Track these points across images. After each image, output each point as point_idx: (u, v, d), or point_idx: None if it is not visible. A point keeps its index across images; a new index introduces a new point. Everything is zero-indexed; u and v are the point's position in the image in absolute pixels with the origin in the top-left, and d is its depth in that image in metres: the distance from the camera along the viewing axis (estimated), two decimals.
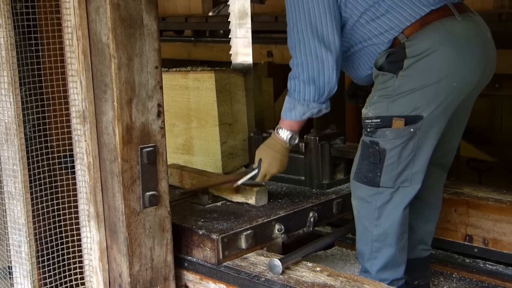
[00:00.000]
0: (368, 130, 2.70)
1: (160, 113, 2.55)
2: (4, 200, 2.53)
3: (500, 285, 3.31)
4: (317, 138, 3.16)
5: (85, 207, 2.56)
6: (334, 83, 2.67)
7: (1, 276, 2.71)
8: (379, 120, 2.66)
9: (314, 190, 3.19)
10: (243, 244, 2.71)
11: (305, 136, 3.21)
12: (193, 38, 6.92)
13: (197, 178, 3.17)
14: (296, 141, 2.84)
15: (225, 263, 2.67)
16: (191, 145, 3.53)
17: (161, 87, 2.54)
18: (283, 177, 3.31)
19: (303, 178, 3.24)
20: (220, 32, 6.90)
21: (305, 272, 2.57)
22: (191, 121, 3.51)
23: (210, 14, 7.49)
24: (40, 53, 2.53)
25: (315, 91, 2.67)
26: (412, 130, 2.63)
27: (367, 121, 2.71)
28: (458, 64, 2.61)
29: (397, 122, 2.63)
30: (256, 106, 6.34)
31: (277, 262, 2.53)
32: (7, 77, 2.39)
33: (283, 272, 2.54)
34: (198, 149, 3.51)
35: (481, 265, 3.25)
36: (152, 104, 2.52)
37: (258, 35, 6.43)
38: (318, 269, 2.59)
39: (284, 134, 2.81)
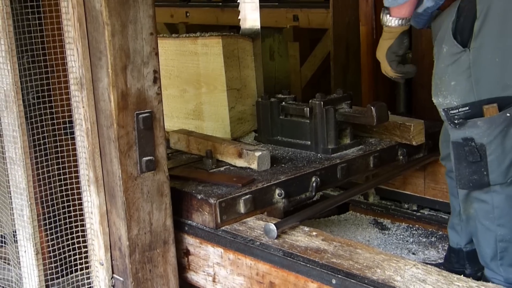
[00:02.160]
0: (456, 122, 2.44)
1: (156, 79, 2.56)
2: (6, 166, 2.60)
3: None
4: (322, 102, 3.15)
5: (85, 172, 2.61)
6: None
7: (8, 241, 2.79)
8: (467, 108, 2.42)
9: (319, 155, 3.18)
10: (242, 208, 2.74)
11: (310, 101, 3.20)
12: (221, 3, 6.90)
13: (203, 143, 3.20)
14: (392, 22, 2.62)
15: (223, 227, 2.70)
16: (201, 110, 3.55)
17: (156, 54, 2.55)
18: (290, 141, 3.32)
19: (309, 143, 3.24)
20: None
21: (300, 237, 2.59)
22: (201, 86, 3.53)
23: None
24: (43, 21, 2.57)
25: None
26: (509, 114, 2.37)
27: (452, 112, 2.45)
28: None
29: (489, 110, 2.38)
30: (282, 71, 6.36)
31: (272, 226, 2.56)
32: (4, 45, 2.44)
33: (278, 236, 2.57)
34: (208, 115, 3.53)
35: None
36: (148, 71, 2.54)
37: None
38: (314, 233, 2.61)
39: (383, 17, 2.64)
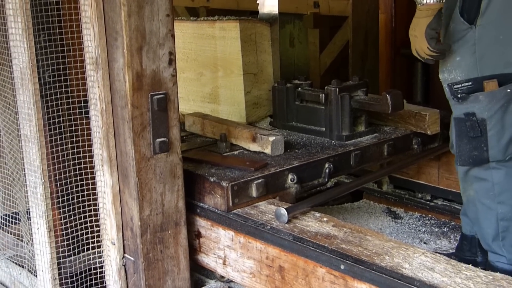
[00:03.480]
0: (459, 96, 2.52)
1: (171, 61, 2.57)
2: (21, 143, 2.62)
3: None
4: (337, 89, 3.15)
5: (99, 151, 2.63)
6: None
7: (22, 219, 2.82)
8: (470, 83, 2.49)
9: (333, 141, 3.18)
10: (254, 192, 2.75)
11: (325, 87, 3.20)
12: None
13: (218, 126, 3.20)
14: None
15: (234, 211, 2.71)
16: (217, 94, 3.56)
17: (172, 35, 2.56)
18: (304, 127, 3.32)
19: (324, 129, 3.24)
20: None
21: (311, 222, 2.59)
22: (218, 70, 3.53)
23: None
24: (60, 0, 2.59)
25: None
26: (509, 90, 2.43)
27: (456, 86, 2.53)
28: None
29: (489, 84, 2.45)
30: (302, 57, 6.33)
31: (283, 211, 2.56)
32: (21, 23, 2.45)
33: (289, 221, 2.57)
34: (224, 98, 3.54)
35: None
36: (164, 52, 2.55)
37: None
38: (325, 219, 2.61)
39: None
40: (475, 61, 2.49)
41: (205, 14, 7.10)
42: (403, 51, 4.26)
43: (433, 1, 2.56)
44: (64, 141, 2.63)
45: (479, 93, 2.46)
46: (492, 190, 2.57)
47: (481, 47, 2.47)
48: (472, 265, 2.23)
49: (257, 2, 3.65)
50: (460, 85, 2.51)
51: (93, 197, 2.69)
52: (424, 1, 2.57)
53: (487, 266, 2.85)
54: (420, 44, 2.61)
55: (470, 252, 2.96)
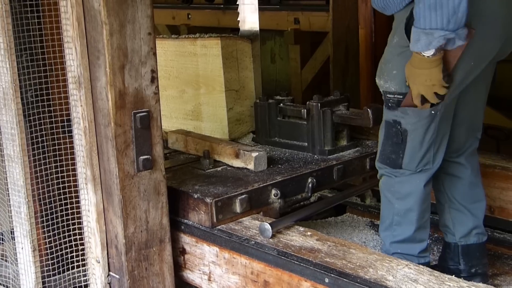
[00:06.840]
0: (390, 105, 2.63)
1: (154, 79, 2.59)
2: (4, 163, 2.62)
3: (507, 253, 3.31)
4: (319, 104, 3.18)
5: (83, 170, 2.63)
6: (465, 7, 2.26)
7: (6, 239, 2.81)
8: (401, 97, 2.57)
9: (316, 156, 3.21)
10: (237, 208, 2.76)
11: (307, 103, 3.23)
12: (222, 6, 6.93)
13: (201, 143, 3.22)
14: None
15: (219, 227, 2.72)
16: (199, 111, 3.58)
17: (154, 53, 2.57)
18: (287, 143, 3.35)
19: (306, 144, 3.27)
20: None
21: (295, 236, 2.61)
22: (200, 87, 3.55)
23: None
24: (42, 20, 2.60)
25: (442, 16, 2.27)
26: (433, 112, 2.55)
27: (389, 96, 2.62)
28: (477, 42, 2.43)
29: None
30: (283, 73, 6.39)
31: (267, 226, 2.58)
32: (3, 43, 2.46)
33: (273, 236, 2.59)
34: (206, 115, 3.56)
35: (489, 233, 3.20)
36: (146, 70, 2.56)
37: (286, 2, 6.45)
38: (308, 233, 2.63)
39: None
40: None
41: (186, 32, 7.14)
42: None
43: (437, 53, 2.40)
44: (47, 160, 2.63)
45: (408, 108, 2.56)
46: (394, 187, 2.75)
47: None
48: (455, 275, 2.26)
49: (238, 19, 3.68)
50: (393, 96, 2.60)
51: (77, 215, 2.69)
52: (434, 54, 2.40)
53: (469, 274, 2.93)
54: (437, 89, 2.49)
55: (452, 261, 2.99)
